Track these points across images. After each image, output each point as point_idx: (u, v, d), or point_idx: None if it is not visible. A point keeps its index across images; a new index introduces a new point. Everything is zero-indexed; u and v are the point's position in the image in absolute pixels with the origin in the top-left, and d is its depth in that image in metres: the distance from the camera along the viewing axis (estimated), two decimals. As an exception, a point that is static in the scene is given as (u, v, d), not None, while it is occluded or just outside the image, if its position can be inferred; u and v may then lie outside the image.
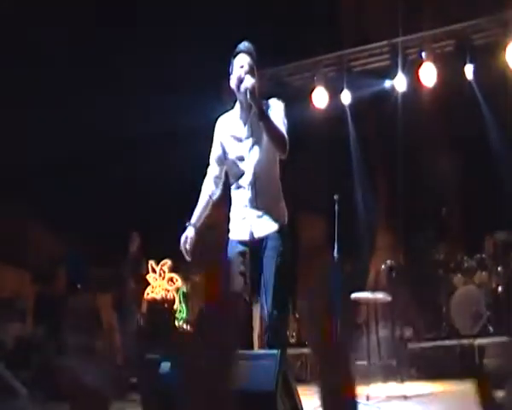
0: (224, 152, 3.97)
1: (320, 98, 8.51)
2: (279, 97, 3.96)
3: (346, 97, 8.48)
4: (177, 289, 11.15)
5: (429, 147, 8.43)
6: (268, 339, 3.70)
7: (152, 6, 9.02)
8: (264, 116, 3.72)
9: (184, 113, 8.46)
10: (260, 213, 3.81)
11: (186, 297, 10.96)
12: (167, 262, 11.30)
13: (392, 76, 8.22)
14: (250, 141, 3.87)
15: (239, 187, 3.91)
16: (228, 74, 3.97)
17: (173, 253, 10.73)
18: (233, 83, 3.91)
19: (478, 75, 7.82)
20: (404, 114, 8.29)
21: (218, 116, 4.05)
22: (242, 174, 3.88)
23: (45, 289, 9.14)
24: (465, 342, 7.00)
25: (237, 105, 3.97)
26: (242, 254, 3.81)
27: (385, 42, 8.34)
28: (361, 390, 5.55)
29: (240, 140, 3.91)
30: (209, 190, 4.02)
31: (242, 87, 3.78)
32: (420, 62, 8.00)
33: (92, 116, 8.91)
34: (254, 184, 3.82)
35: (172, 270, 11.33)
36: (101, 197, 9.51)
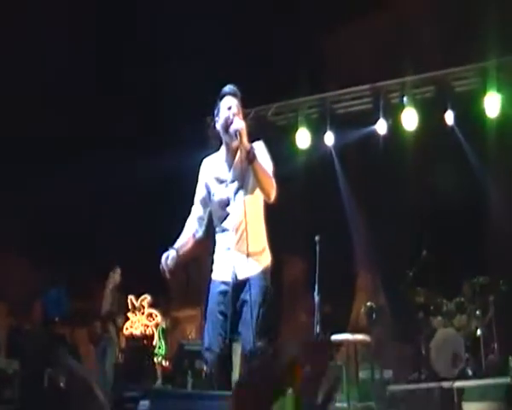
0: (209, 194, 3.96)
1: (303, 139, 8.62)
2: (262, 137, 3.98)
3: (329, 139, 8.60)
4: (157, 325, 11.04)
5: (410, 190, 8.53)
6: None
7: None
8: (254, 160, 3.71)
9: (166, 152, 8.56)
10: (244, 256, 3.77)
11: (165, 333, 10.86)
12: (147, 297, 11.21)
13: (374, 119, 8.36)
14: (235, 184, 3.87)
15: (224, 230, 3.89)
16: (213, 116, 3.97)
17: (153, 288, 10.69)
18: (219, 125, 3.90)
19: (458, 122, 7.99)
20: (386, 157, 8.41)
21: (203, 158, 4.05)
22: (227, 217, 3.87)
23: (20, 322, 9.01)
24: (444, 384, 6.99)
25: (222, 148, 3.97)
26: (224, 293, 3.82)
27: (367, 86, 8.52)
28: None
29: (225, 183, 3.90)
30: (192, 228, 4.01)
31: (232, 129, 3.77)
32: (401, 107, 8.17)
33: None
34: (239, 228, 3.81)
35: (152, 305, 11.24)
36: (81, 232, 9.48)
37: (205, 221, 4.03)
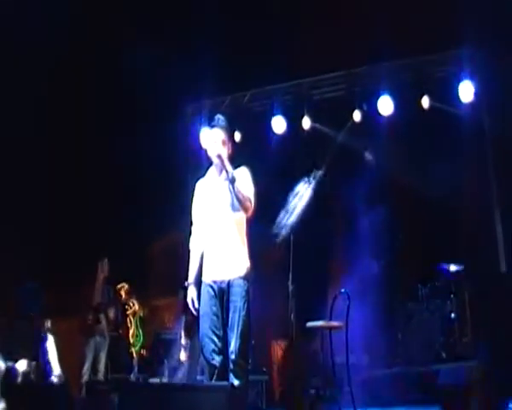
0: (202, 208, 4.57)
1: (279, 125, 8.61)
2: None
3: (306, 124, 8.59)
4: (134, 314, 10.97)
5: (386, 174, 8.55)
6: (234, 370, 4.24)
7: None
8: (234, 181, 4.37)
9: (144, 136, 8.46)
10: (227, 262, 4.38)
11: (143, 322, 10.79)
12: (124, 286, 11.12)
13: (350, 104, 8.36)
14: (222, 199, 4.47)
15: (211, 236, 4.47)
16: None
17: (130, 277, 10.61)
18: (209, 151, 4.58)
19: (434, 107, 8.01)
20: (363, 142, 8.42)
21: (197, 179, 4.72)
22: (215, 227, 4.44)
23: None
24: (420, 368, 7.07)
25: (212, 170, 4.64)
26: (212, 294, 4.39)
27: (343, 72, 8.50)
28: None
29: (215, 195, 4.52)
30: (198, 250, 4.58)
31: (215, 154, 4.44)
32: (377, 92, 8.17)
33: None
34: (224, 238, 4.41)
35: (129, 294, 11.15)
36: (59, 223, 9.35)
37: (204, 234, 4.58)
